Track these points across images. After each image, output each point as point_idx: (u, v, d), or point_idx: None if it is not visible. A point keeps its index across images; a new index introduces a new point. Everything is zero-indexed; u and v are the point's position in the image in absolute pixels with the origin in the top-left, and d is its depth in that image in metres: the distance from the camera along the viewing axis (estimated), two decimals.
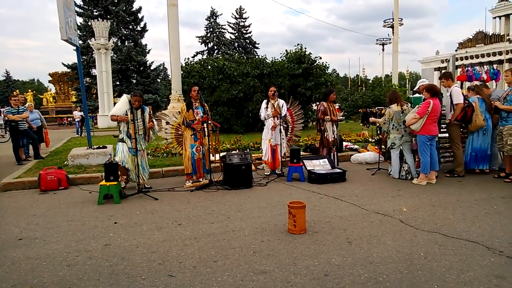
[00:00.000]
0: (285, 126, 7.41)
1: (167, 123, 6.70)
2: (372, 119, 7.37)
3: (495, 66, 31.62)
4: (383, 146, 7.41)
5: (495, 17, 51.83)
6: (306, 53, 16.72)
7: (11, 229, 4.32)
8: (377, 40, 54.18)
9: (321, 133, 7.46)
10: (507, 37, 45.88)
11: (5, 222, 4.62)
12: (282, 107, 7.14)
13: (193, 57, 44.57)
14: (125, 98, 6.20)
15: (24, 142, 10.06)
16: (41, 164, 8.36)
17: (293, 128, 7.75)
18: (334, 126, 7.44)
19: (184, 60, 17.42)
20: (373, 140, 8.26)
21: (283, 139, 7.17)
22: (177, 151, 7.36)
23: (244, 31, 52.68)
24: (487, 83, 11.58)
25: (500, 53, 44.99)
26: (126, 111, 6.06)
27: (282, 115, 7.09)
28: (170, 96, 14.71)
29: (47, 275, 3.09)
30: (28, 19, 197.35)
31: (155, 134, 6.62)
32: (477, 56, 48.34)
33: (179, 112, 6.64)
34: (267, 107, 7.16)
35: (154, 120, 6.43)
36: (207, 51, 49.96)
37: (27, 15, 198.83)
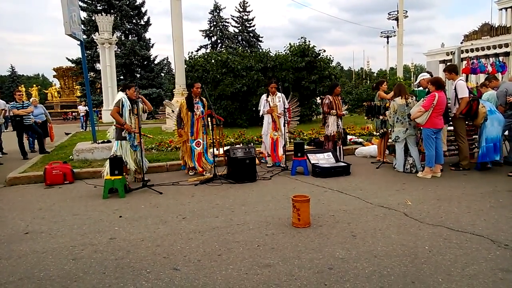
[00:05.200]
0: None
1: (173, 111, 6.85)
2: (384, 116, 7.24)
3: (501, 58, 31.31)
4: (389, 140, 7.35)
5: (501, 9, 51.15)
6: (310, 46, 16.63)
7: (18, 223, 4.35)
8: (381, 32, 53.74)
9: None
10: None
11: (12, 216, 4.66)
12: (281, 100, 7.18)
13: (196, 51, 44.39)
14: (121, 93, 6.13)
15: (31, 139, 10.15)
16: (46, 158, 8.42)
17: (289, 124, 7.65)
18: (339, 120, 7.42)
19: (188, 54, 17.41)
20: (378, 133, 8.25)
21: (286, 132, 7.19)
22: (176, 144, 7.40)
23: (248, 25, 52.42)
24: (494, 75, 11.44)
25: (507, 45, 44.49)
26: (129, 105, 5.95)
27: (282, 108, 7.11)
28: (174, 90, 14.73)
29: (53, 268, 3.12)
30: (31, 14, 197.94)
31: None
32: (482, 49, 47.83)
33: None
34: (267, 101, 7.20)
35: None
36: (210, 45, 49.81)
37: (30, 9, 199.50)
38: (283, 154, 7.21)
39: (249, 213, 4.50)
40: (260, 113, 7.36)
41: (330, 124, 7.31)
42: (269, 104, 7.19)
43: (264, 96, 7.33)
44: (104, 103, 26.36)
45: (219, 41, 49.75)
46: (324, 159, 6.93)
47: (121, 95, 6.04)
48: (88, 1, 33.24)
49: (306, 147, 7.96)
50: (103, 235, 3.88)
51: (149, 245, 3.56)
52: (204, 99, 6.64)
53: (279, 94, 7.24)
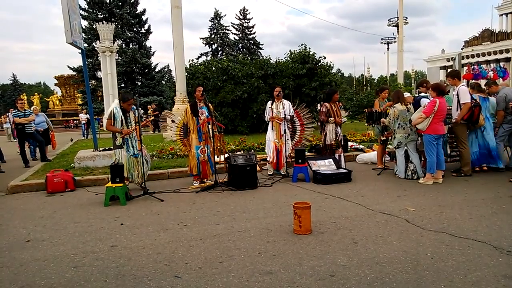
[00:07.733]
0: (290, 127, 7.34)
1: (173, 121, 6.77)
2: (383, 120, 7.26)
3: (502, 64, 31.38)
4: (389, 146, 7.34)
5: (501, 15, 51.30)
6: (310, 53, 16.67)
7: (19, 231, 4.35)
8: (382, 39, 53.99)
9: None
10: None
11: (13, 224, 4.66)
12: (285, 108, 7.14)
13: (197, 58, 44.51)
14: (116, 102, 6.17)
15: (32, 147, 10.16)
16: (48, 166, 8.43)
17: (302, 131, 7.55)
18: (338, 127, 7.37)
19: (188, 61, 17.45)
20: (379, 140, 8.24)
21: (288, 139, 7.15)
22: (183, 153, 7.37)
23: (248, 32, 52.64)
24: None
25: (507, 51, 44.47)
26: (121, 117, 5.90)
27: (287, 115, 7.08)
28: (174, 98, 14.77)
29: (54, 276, 3.11)
30: (33, 23, 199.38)
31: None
32: (483, 54, 47.83)
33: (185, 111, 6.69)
34: (272, 108, 7.20)
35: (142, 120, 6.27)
36: (211, 52, 49.99)
37: (32, 19, 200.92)
38: (284, 162, 7.18)
39: (250, 220, 4.50)
40: (266, 120, 7.38)
41: (328, 132, 7.23)
42: (272, 111, 7.19)
43: (269, 103, 7.34)
44: (105, 111, 26.34)
45: (219, 48, 49.94)
46: (325, 165, 6.92)
47: (113, 105, 6.08)
48: (89, 10, 33.44)
49: (307, 153, 7.95)
50: (104, 242, 3.87)
51: (150, 253, 3.55)
52: (210, 105, 6.66)
53: (284, 101, 7.23)
